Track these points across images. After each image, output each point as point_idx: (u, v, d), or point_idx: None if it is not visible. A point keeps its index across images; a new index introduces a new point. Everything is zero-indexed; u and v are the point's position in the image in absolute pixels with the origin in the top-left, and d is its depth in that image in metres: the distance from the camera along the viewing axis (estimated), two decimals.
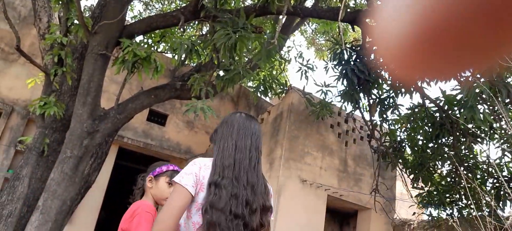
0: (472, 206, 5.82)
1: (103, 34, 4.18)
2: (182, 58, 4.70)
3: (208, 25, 5.02)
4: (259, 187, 1.75)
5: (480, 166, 6.03)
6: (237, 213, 1.62)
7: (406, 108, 5.85)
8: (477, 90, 4.02)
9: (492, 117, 4.65)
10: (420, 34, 0.30)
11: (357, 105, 5.87)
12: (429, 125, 5.62)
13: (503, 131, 5.34)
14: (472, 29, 0.28)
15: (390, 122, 6.15)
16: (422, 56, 0.32)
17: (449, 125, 5.35)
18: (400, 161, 6.35)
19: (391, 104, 5.82)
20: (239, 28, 3.78)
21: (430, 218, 6.55)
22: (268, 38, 4.15)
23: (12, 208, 4.17)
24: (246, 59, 5.56)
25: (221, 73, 4.80)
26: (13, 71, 7.50)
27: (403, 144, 6.46)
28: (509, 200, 5.58)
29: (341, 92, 5.78)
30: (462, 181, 5.94)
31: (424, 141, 5.96)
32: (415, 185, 6.26)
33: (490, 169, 5.91)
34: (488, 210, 4.92)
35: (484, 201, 4.91)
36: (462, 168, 5.98)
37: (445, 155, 5.91)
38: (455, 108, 5.14)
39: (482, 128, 4.72)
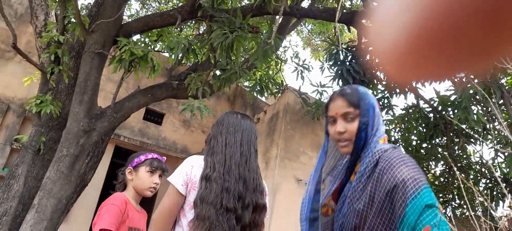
0: (465, 206, 5.89)
1: (100, 33, 4.19)
2: (179, 58, 4.72)
3: (205, 24, 5.04)
4: (251, 182, 1.76)
5: (473, 166, 6.10)
6: (229, 207, 1.63)
7: (401, 109, 5.90)
8: (471, 91, 4.07)
9: (485, 118, 4.71)
10: (415, 35, 0.30)
11: None
12: (423, 125, 5.68)
13: (496, 132, 5.40)
14: (467, 31, 0.28)
15: (385, 122, 6.20)
16: (417, 58, 0.32)
17: (443, 126, 5.41)
18: None
19: (385, 105, 5.87)
20: (236, 28, 3.80)
21: None
22: (265, 38, 4.18)
23: (7, 207, 4.17)
24: (243, 59, 5.58)
25: (218, 72, 4.82)
26: (9, 69, 7.48)
27: (397, 144, 6.51)
28: (502, 200, 5.65)
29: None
30: (456, 181, 6.01)
31: (418, 141, 6.02)
32: None
33: (483, 169, 5.98)
34: (482, 210, 4.98)
35: (477, 201, 4.97)
36: (455, 168, 6.04)
37: (439, 155, 5.97)
38: (449, 109, 5.20)
39: (476, 128, 4.78)
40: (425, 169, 6.27)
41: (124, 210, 1.96)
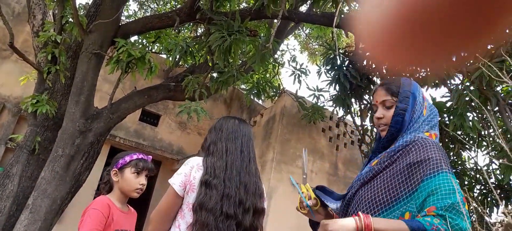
0: None
1: (98, 33, 4.18)
2: (177, 59, 4.72)
3: (202, 26, 5.04)
4: (252, 186, 1.78)
5: (468, 173, 6.13)
6: (229, 213, 1.64)
7: None
8: (467, 98, 4.09)
9: (480, 125, 4.74)
10: (401, 19, 0.31)
11: (348, 110, 5.93)
12: None
13: (491, 139, 5.44)
14: (453, 15, 0.29)
15: None
16: (403, 42, 0.32)
17: (438, 131, 5.43)
18: None
19: None
20: (234, 31, 3.80)
21: None
22: (263, 41, 4.19)
23: (1, 206, 4.14)
24: (240, 61, 5.59)
25: (215, 75, 4.83)
26: (6, 68, 7.44)
27: None
28: (496, 206, 5.68)
29: (333, 97, 5.84)
30: None
31: None
32: None
33: (478, 176, 6.01)
34: (476, 216, 5.00)
35: (472, 207, 5.00)
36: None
37: None
38: (445, 115, 5.23)
39: (471, 135, 4.80)
40: None
41: (108, 214, 1.92)
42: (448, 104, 4.92)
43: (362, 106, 5.93)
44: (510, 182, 5.31)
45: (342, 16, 4.91)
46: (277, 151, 6.22)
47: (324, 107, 6.26)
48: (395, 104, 1.50)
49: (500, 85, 4.53)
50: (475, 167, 6.06)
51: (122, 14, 4.82)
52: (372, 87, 5.68)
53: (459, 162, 6.15)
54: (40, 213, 3.89)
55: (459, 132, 5.55)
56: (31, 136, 4.41)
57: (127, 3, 8.25)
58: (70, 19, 4.23)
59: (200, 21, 4.27)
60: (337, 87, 5.60)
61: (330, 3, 3.94)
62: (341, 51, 5.80)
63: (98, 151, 5.11)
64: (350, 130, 7.27)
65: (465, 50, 0.32)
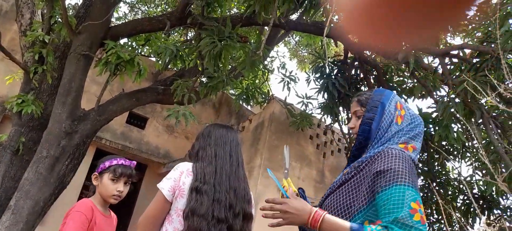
0: (443, 221, 5.99)
1: (87, 35, 4.14)
2: (166, 63, 4.70)
3: (193, 30, 5.04)
4: (241, 191, 1.79)
5: (452, 183, 6.23)
6: (220, 218, 1.65)
7: None
8: (452, 110, 4.17)
9: (465, 136, 4.83)
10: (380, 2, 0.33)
11: (336, 118, 5.98)
12: None
13: (474, 150, 5.54)
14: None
15: None
16: (382, 21, 0.34)
17: (424, 142, 5.51)
18: None
19: None
20: (225, 37, 3.81)
21: None
22: (253, 48, 4.21)
23: None
24: (230, 66, 5.60)
25: (205, 80, 4.82)
26: None
27: None
28: (478, 217, 5.78)
29: (322, 104, 5.89)
30: (434, 196, 6.12)
31: None
32: None
33: (461, 186, 6.12)
34: (458, 226, 5.08)
35: (454, 217, 5.08)
36: (434, 184, 6.16)
37: (419, 171, 6.07)
38: (430, 126, 5.31)
39: (455, 146, 4.89)
40: None
41: (91, 217, 1.90)
42: (434, 115, 5.01)
43: (350, 114, 5.99)
44: (493, 193, 5.41)
45: (332, 25, 4.97)
46: (264, 157, 6.23)
47: (312, 114, 6.30)
48: (363, 114, 1.54)
49: (485, 98, 4.63)
50: (458, 178, 6.16)
51: (112, 16, 4.78)
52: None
53: (443, 173, 6.24)
54: (22, 214, 3.82)
55: (444, 143, 5.64)
56: (15, 136, 4.33)
57: (117, 5, 8.20)
58: (59, 19, 4.18)
59: (191, 26, 4.27)
60: (326, 96, 5.64)
61: (321, 12, 3.98)
62: (330, 60, 5.86)
63: (83, 152, 5.04)
64: (337, 137, 7.33)
65: (442, 23, 0.34)
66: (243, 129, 7.38)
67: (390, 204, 1.21)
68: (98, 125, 4.59)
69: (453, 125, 4.69)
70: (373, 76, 5.75)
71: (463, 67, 4.25)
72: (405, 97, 5.33)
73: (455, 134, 4.59)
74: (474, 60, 4.14)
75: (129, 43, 5.48)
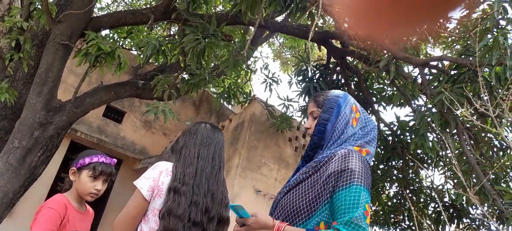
0: (413, 228, 6.14)
1: (67, 24, 4.02)
2: (148, 57, 4.62)
3: (176, 25, 4.97)
4: (219, 195, 1.77)
5: (424, 190, 6.39)
6: (196, 221, 1.63)
7: None
8: (429, 120, 4.27)
9: (439, 146, 4.95)
10: None
11: None
12: (382, 147, 5.89)
13: (447, 159, 5.69)
14: None
15: None
16: (378, 12, 0.35)
17: (400, 149, 5.63)
18: None
19: None
20: (209, 34, 3.78)
21: None
22: (237, 47, 4.19)
23: None
24: (212, 64, 5.56)
25: (186, 77, 4.77)
26: None
27: None
28: (448, 224, 5.94)
29: (303, 108, 5.92)
30: (407, 203, 6.26)
31: (376, 162, 6.22)
32: None
33: (433, 194, 6.28)
34: None
35: (425, 224, 5.20)
36: (407, 191, 6.30)
37: (394, 177, 6.20)
38: (407, 134, 5.43)
39: (429, 154, 5.01)
40: (380, 189, 6.48)
41: (64, 214, 1.83)
42: (411, 123, 5.12)
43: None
44: (463, 203, 5.58)
45: (316, 29, 5.01)
46: (243, 157, 6.22)
47: (293, 117, 6.33)
48: (320, 114, 1.54)
49: (460, 110, 4.77)
50: (431, 186, 6.32)
51: (95, 6, 4.67)
52: None
53: (417, 180, 6.40)
54: None
55: (419, 151, 5.78)
56: None
57: None
58: (39, 6, 4.05)
59: (175, 21, 4.21)
60: (307, 99, 5.68)
61: (306, 15, 4.00)
62: (313, 64, 5.91)
63: (57, 144, 4.89)
64: None
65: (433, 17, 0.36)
66: (223, 128, 7.34)
67: (347, 204, 1.22)
68: (74, 117, 4.47)
69: (428, 134, 4.81)
70: (354, 82, 5.83)
71: (441, 79, 4.36)
72: (384, 104, 5.42)
73: (430, 143, 4.71)
74: (452, 72, 4.26)
75: (111, 35, 5.36)
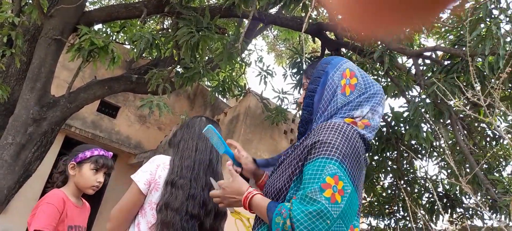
0: (408, 218, 6.20)
1: (59, 18, 3.99)
2: (141, 51, 4.60)
3: (170, 19, 4.94)
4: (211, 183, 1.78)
5: (419, 181, 6.44)
6: (193, 213, 1.63)
7: None
8: (423, 110, 4.30)
9: (433, 136, 4.98)
10: None
11: None
12: (377, 138, 5.92)
13: (441, 150, 5.74)
14: None
15: None
16: (375, 10, 0.35)
17: (394, 140, 5.66)
18: None
19: None
20: (203, 27, 3.76)
21: (369, 228, 6.88)
22: (231, 40, 4.17)
23: None
24: (207, 58, 5.54)
25: (181, 70, 4.75)
26: None
27: None
28: (442, 214, 6.00)
29: (297, 100, 5.93)
30: (402, 193, 6.32)
31: (370, 154, 6.26)
32: None
33: (427, 184, 6.33)
34: (423, 223, 5.27)
35: (419, 214, 5.25)
36: (402, 182, 6.35)
37: (388, 168, 6.24)
38: (401, 125, 5.46)
39: (424, 145, 5.05)
40: (375, 180, 6.53)
41: (62, 209, 1.84)
42: (405, 114, 5.14)
43: None
44: (456, 193, 5.63)
45: (310, 21, 5.00)
46: None
47: (288, 109, 6.34)
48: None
49: (453, 100, 4.80)
50: (425, 176, 6.38)
51: (87, 0, 4.62)
52: None
53: (411, 171, 6.44)
54: None
55: (413, 142, 5.81)
56: None
57: None
58: (30, 1, 4.00)
59: (168, 14, 4.19)
60: (301, 91, 5.69)
61: (300, 7, 3.99)
62: (307, 56, 5.90)
63: (51, 140, 4.87)
64: None
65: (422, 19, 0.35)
66: (218, 121, 7.34)
67: (306, 178, 1.10)
68: (68, 112, 4.44)
69: (423, 125, 4.84)
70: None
71: (435, 69, 4.38)
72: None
73: (424, 133, 4.73)
74: (446, 62, 4.28)
75: (104, 29, 5.32)
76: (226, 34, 4.36)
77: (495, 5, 3.52)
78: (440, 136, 3.71)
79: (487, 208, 4.65)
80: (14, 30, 3.81)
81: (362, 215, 7.09)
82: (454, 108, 4.72)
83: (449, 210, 5.83)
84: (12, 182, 4.01)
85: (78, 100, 4.47)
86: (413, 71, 4.60)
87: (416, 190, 6.32)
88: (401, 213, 6.56)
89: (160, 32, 5.79)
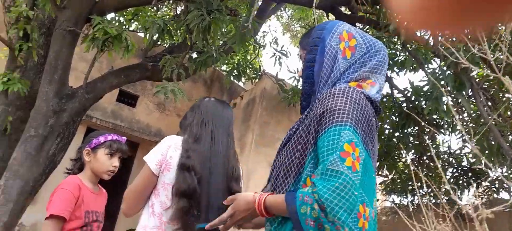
0: (432, 194, 6.09)
1: (72, 10, 4.02)
2: (155, 38, 4.61)
3: (182, 5, 4.92)
4: (230, 169, 1.77)
5: (441, 156, 6.30)
6: (210, 200, 1.64)
7: None
8: (442, 82, 4.17)
9: (455, 109, 4.84)
10: None
11: None
12: (396, 114, 5.80)
13: (463, 123, 5.58)
14: None
15: None
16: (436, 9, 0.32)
17: (415, 115, 5.53)
18: None
19: None
20: (213, 9, 3.73)
21: (392, 205, 6.81)
22: (243, 21, 4.13)
23: None
24: (221, 42, 5.51)
25: (194, 55, 4.75)
26: None
27: None
28: (467, 188, 5.87)
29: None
30: (425, 169, 6.20)
31: (391, 130, 6.15)
32: (380, 172, 6.47)
33: (450, 159, 6.19)
34: (447, 198, 5.16)
35: (443, 189, 5.15)
36: (425, 158, 6.23)
37: (410, 144, 6.12)
38: (421, 99, 5.32)
39: (445, 119, 4.92)
40: (396, 157, 6.43)
41: (78, 194, 1.88)
42: (425, 88, 5.00)
43: None
44: (481, 166, 5.48)
45: None
46: (256, 133, 6.22)
47: None
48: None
49: (475, 70, 4.63)
50: (448, 151, 6.23)
51: None
52: None
53: (433, 146, 6.31)
54: (12, 194, 3.79)
55: (435, 116, 5.67)
56: (2, 115, 4.26)
57: None
58: None
59: None
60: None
61: None
62: None
63: (73, 131, 4.98)
64: None
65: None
66: (234, 105, 7.34)
67: (323, 151, 1.02)
68: (86, 103, 4.52)
69: (443, 98, 4.70)
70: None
71: (454, 39, 4.22)
72: (397, 70, 5.30)
73: (444, 106, 4.60)
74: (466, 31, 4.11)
75: (117, 18, 5.35)
76: (238, 16, 4.31)
77: None
78: (464, 106, 3.59)
79: None
80: (29, 24, 3.87)
81: (384, 192, 7.01)
82: (477, 79, 4.56)
83: (475, 184, 5.70)
84: (37, 173, 4.13)
85: (96, 91, 4.54)
86: (432, 42, 4.45)
87: (439, 166, 6.19)
88: (425, 189, 6.46)
89: (172, 18, 5.79)
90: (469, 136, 5.48)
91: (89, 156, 2.02)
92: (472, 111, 5.03)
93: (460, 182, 5.92)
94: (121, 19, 5.33)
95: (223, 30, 4.68)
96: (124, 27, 5.00)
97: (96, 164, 2.01)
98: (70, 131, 4.89)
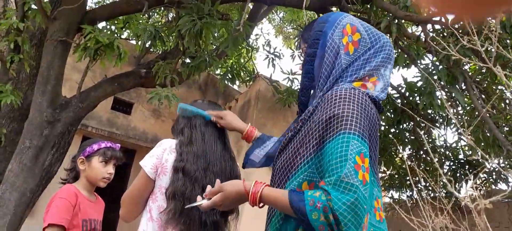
0: (430, 188, 6.12)
1: (63, 20, 4.02)
2: (147, 45, 4.60)
3: (173, 11, 4.93)
4: (227, 170, 1.77)
5: (438, 150, 6.33)
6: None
7: None
8: (435, 77, 4.19)
9: (449, 103, 4.87)
10: None
11: None
12: (391, 111, 5.82)
13: (458, 116, 5.61)
14: None
15: None
16: None
17: (410, 111, 5.56)
18: None
19: None
20: (204, 14, 3.73)
21: (391, 200, 6.83)
22: (235, 25, 4.14)
23: None
24: (214, 46, 5.52)
25: (187, 60, 4.74)
26: None
27: None
28: (464, 181, 5.90)
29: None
30: (422, 164, 6.22)
31: (387, 127, 6.17)
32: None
33: (447, 153, 6.22)
34: (445, 191, 5.19)
35: (441, 183, 5.17)
36: (421, 152, 6.25)
37: (406, 140, 6.15)
38: (415, 94, 5.34)
39: (440, 113, 4.94)
40: (393, 153, 6.45)
41: (75, 202, 1.88)
42: (419, 84, 5.03)
43: None
44: (478, 158, 5.51)
45: None
46: None
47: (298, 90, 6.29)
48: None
49: (468, 64, 4.66)
50: (444, 144, 6.26)
51: (90, 0, 4.64)
52: None
53: (430, 140, 6.34)
54: (9, 206, 3.77)
55: (430, 111, 5.70)
56: None
57: None
58: (33, 6, 4.04)
59: (169, 5, 4.16)
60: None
61: None
62: None
63: (69, 141, 4.96)
64: None
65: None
66: (230, 109, 7.35)
67: (334, 159, 0.99)
68: (81, 112, 4.51)
69: (437, 93, 4.73)
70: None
71: (445, 34, 4.26)
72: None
73: (439, 101, 4.63)
74: (456, 26, 4.14)
75: (108, 26, 5.34)
76: (230, 20, 4.32)
77: None
78: (458, 100, 3.61)
79: (510, 170, 4.54)
80: (20, 36, 3.86)
81: (383, 188, 7.03)
82: (470, 73, 4.59)
83: (472, 177, 5.73)
84: (33, 184, 4.11)
85: (90, 99, 4.52)
86: (423, 38, 4.47)
87: (436, 160, 6.22)
88: (422, 183, 6.48)
89: (164, 25, 5.79)
90: (464, 129, 5.52)
91: (83, 165, 2.02)
92: (466, 105, 5.06)
93: (458, 175, 5.95)
94: (113, 27, 5.32)
95: (215, 34, 4.68)
96: (115, 35, 4.99)
97: (91, 172, 2.01)
98: (66, 140, 4.87)
